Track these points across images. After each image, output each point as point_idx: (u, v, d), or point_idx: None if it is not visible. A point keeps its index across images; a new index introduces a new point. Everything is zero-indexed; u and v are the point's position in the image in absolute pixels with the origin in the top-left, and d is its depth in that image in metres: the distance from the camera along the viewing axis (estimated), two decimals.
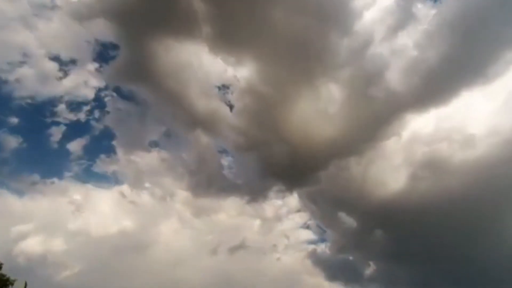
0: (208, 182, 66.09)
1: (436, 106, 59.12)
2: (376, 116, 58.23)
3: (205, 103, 65.00)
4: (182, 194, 64.94)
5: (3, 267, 31.99)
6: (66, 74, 61.27)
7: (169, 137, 69.15)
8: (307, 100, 60.09)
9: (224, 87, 66.74)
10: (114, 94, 64.92)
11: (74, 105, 62.86)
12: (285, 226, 67.12)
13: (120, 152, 65.69)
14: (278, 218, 68.17)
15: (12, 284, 32.29)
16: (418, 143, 59.55)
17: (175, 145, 69.99)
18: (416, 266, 54.80)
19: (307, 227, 66.41)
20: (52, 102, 61.98)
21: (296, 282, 59.37)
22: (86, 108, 63.25)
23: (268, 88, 60.57)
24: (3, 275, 32.37)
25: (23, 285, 32.07)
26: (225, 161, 69.64)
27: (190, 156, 68.84)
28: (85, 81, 62.58)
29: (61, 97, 61.70)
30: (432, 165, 56.26)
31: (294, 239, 66.38)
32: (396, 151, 59.98)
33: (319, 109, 59.72)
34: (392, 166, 59.79)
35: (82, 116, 63.36)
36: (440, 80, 56.21)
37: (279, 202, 68.96)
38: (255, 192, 66.52)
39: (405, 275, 54.89)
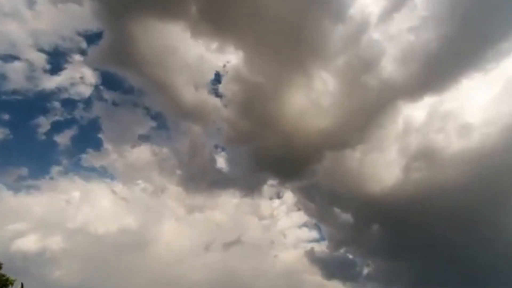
0: (200, 176, 65.27)
1: (432, 95, 57.58)
2: (371, 106, 56.95)
3: (193, 92, 63.91)
4: (175, 189, 64.17)
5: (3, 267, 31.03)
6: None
7: (158, 130, 68.17)
8: (299, 90, 58.90)
9: (214, 76, 65.22)
10: (100, 82, 63.17)
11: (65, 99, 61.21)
12: (282, 222, 66.68)
13: (108, 146, 64.57)
14: (275, 215, 67.01)
15: (12, 284, 31.41)
16: (413, 133, 58.18)
17: (165, 139, 69.12)
18: (415, 262, 53.24)
19: (304, 225, 65.59)
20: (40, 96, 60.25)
21: (294, 279, 58.52)
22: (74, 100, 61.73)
23: (259, 78, 59.11)
24: (3, 275, 31.46)
25: (19, 286, 31.29)
26: (217, 154, 68.67)
27: (181, 150, 67.88)
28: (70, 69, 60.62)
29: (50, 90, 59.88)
30: (428, 156, 54.73)
31: (291, 236, 65.60)
32: (392, 142, 58.87)
33: (312, 99, 58.72)
34: (388, 158, 58.69)
35: (70, 109, 62.12)
36: (438, 67, 54.40)
37: (275, 198, 68.14)
38: (249, 186, 65.88)
39: (404, 272, 53.47)
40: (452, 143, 54.43)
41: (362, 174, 58.61)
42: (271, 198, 67.43)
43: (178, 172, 65.60)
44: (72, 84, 61.57)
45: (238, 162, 66.43)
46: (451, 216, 49.31)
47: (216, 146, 68.90)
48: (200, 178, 65.26)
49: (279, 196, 67.76)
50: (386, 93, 56.65)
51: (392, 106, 58.01)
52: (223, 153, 68.64)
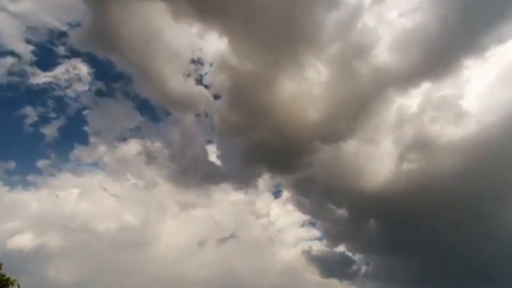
0: (193, 170, 64.46)
1: (428, 82, 55.67)
2: (365, 95, 55.57)
3: (181, 81, 62.55)
4: (166, 184, 63.38)
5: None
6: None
7: (146, 122, 66.86)
8: (291, 79, 57.53)
9: (197, 63, 63.90)
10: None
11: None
12: (278, 217, 66.28)
13: (96, 140, 62.57)
14: (270, 210, 66.49)
15: (12, 284, 30.33)
16: (409, 123, 56.42)
17: (153, 131, 67.70)
18: (414, 257, 51.98)
19: (301, 221, 65.29)
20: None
21: (293, 277, 57.73)
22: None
23: (247, 66, 57.40)
24: (3, 275, 30.35)
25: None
26: (209, 146, 67.47)
27: (171, 143, 66.91)
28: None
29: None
30: (424, 146, 52.92)
31: (288, 232, 65.58)
32: (387, 132, 57.50)
33: (304, 89, 57.30)
34: (383, 149, 57.33)
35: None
36: (434, 53, 52.81)
37: (270, 193, 67.88)
38: (243, 181, 65.69)
39: (404, 268, 52.25)
40: (448, 132, 52.99)
41: (356, 166, 57.79)
42: (267, 191, 66.96)
43: (169, 166, 64.79)
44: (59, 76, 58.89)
45: (230, 155, 65.49)
46: (450, 208, 48.30)
47: (207, 139, 67.74)
48: (192, 172, 64.47)
49: (274, 191, 67.21)
50: (380, 81, 55.61)
51: (386, 95, 57.04)
52: (214, 146, 67.53)
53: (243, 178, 64.83)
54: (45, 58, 60.25)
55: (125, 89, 64.80)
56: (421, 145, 54.22)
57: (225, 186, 65.73)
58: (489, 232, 45.44)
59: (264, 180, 65.91)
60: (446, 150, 52.31)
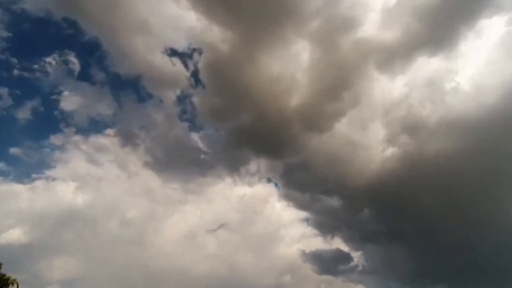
0: (176, 157, 61.31)
1: (422, 57, 52.00)
2: (353, 73, 52.54)
3: (158, 59, 58.18)
4: (149, 173, 59.96)
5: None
6: None
7: (121, 108, 62.27)
8: (272, 59, 54.19)
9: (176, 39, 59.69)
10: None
11: None
12: (271, 208, 63.15)
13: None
14: (262, 199, 62.83)
15: (12, 284, 29.59)
16: (400, 102, 53.56)
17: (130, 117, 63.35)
18: (412, 249, 50.77)
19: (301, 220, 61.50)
20: None
21: (295, 272, 55.72)
22: None
23: (226, 44, 53.93)
24: (3, 275, 29.62)
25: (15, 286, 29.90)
26: (190, 131, 64.22)
27: (151, 128, 63.32)
28: None
29: None
30: (416, 127, 50.61)
31: (281, 222, 62.10)
32: (377, 112, 54.53)
33: (288, 69, 54.24)
34: (373, 131, 54.57)
35: None
36: (429, 26, 49.47)
37: (256, 180, 64.23)
38: (229, 168, 62.63)
39: (402, 261, 50.77)
40: (443, 111, 50.79)
41: (344, 150, 55.50)
42: (255, 180, 63.50)
43: (152, 152, 61.11)
44: None
45: (214, 141, 62.80)
46: (448, 194, 47.14)
47: (188, 124, 63.94)
48: (177, 159, 61.63)
49: (263, 180, 63.48)
50: (369, 57, 52.63)
51: (374, 72, 53.84)
52: (196, 130, 64.45)
53: (230, 166, 62.46)
54: None
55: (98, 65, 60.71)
56: (412, 126, 52.17)
57: (212, 173, 62.97)
58: (491, 219, 44.61)
59: (252, 167, 62.93)
60: (439, 131, 50.41)
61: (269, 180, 63.33)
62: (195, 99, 61.42)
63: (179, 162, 61.80)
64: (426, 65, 53.42)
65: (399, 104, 53.69)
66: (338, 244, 56.37)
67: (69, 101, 58.23)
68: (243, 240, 59.70)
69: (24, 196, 53.51)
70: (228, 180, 62.99)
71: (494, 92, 47.64)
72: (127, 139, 60.78)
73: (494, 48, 51.54)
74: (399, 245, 52.42)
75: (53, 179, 56.40)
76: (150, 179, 59.46)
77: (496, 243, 43.71)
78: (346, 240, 56.08)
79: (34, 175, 55.52)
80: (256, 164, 62.66)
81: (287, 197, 60.55)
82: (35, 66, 56.30)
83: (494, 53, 51.03)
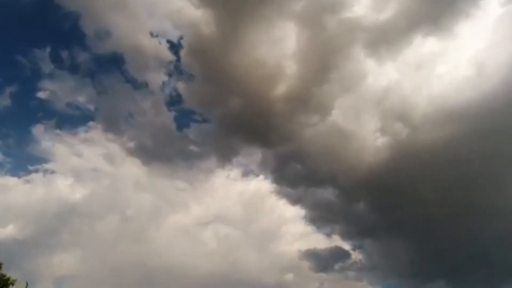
0: (163, 147, 59.45)
1: (417, 41, 49.60)
2: (342, 58, 50.20)
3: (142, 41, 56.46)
4: (135, 161, 58.33)
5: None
6: None
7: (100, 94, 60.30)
8: (258, 42, 51.87)
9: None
10: None
11: None
12: (264, 200, 60.59)
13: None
14: (253, 191, 60.60)
15: (13, 284, 28.97)
16: (393, 89, 51.10)
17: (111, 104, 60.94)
18: (412, 243, 48.94)
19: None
20: None
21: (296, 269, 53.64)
22: None
23: (210, 27, 51.71)
24: (3, 275, 29.00)
25: (24, 285, 29.26)
26: (173, 117, 61.86)
27: (136, 115, 61.60)
28: None
29: None
30: (410, 114, 48.06)
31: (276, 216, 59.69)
32: (369, 99, 52.30)
33: (274, 53, 51.92)
34: (365, 119, 52.37)
35: None
36: (424, 5, 47.59)
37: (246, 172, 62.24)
38: (219, 158, 60.42)
39: (401, 256, 49.06)
40: (439, 97, 48.55)
41: (336, 138, 53.05)
42: (246, 171, 61.96)
43: (138, 140, 59.18)
44: None
45: (203, 130, 60.98)
46: (446, 182, 45.23)
47: (174, 112, 61.80)
48: (164, 149, 59.95)
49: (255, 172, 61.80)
50: (359, 39, 50.42)
51: (368, 56, 51.39)
52: (182, 119, 62.89)
53: (220, 157, 60.53)
54: None
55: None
56: (406, 114, 49.92)
57: (203, 166, 61.83)
58: (492, 210, 43.05)
59: (243, 159, 61.24)
60: (436, 118, 48.11)
61: (260, 173, 61.62)
62: (180, 84, 59.42)
63: (167, 153, 60.14)
64: (421, 48, 51.39)
65: (392, 89, 51.62)
66: (336, 239, 55.26)
67: (49, 88, 56.46)
68: (235, 234, 57.83)
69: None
70: (220, 172, 61.34)
71: (493, 75, 45.82)
72: (111, 128, 59.56)
73: (491, 31, 49.69)
74: (397, 239, 51.37)
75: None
76: (135, 169, 57.89)
77: (496, 235, 42.51)
78: (344, 236, 54.75)
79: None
80: (247, 155, 61.19)
81: (280, 190, 58.11)
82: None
83: (491, 36, 49.25)
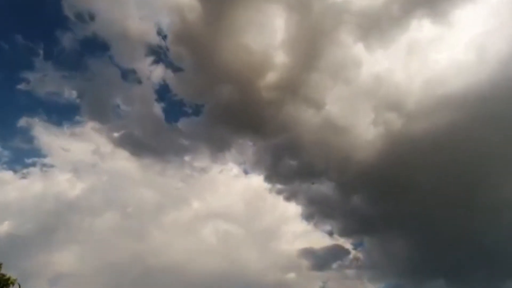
0: (155, 140, 57.45)
1: (412, 26, 48.28)
2: (334, 45, 48.52)
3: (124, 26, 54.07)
4: (124, 153, 56.78)
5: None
6: None
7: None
8: (245, 27, 50.18)
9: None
10: None
11: None
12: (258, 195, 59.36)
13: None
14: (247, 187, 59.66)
15: (13, 284, 28.63)
16: (388, 77, 49.27)
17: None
18: (412, 241, 47.79)
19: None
20: None
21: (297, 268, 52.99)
22: None
23: (194, 14, 50.29)
24: (3, 275, 28.65)
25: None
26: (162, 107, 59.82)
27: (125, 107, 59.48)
28: None
29: None
30: (405, 103, 46.61)
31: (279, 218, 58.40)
32: (362, 88, 50.35)
33: (262, 39, 50.04)
34: (359, 109, 50.53)
35: None
36: None
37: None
38: (212, 151, 58.67)
39: (400, 254, 47.88)
40: (437, 84, 46.80)
41: (329, 130, 51.21)
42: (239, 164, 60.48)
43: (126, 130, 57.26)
44: None
45: (193, 122, 58.99)
46: (445, 176, 43.95)
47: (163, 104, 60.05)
48: (153, 140, 57.83)
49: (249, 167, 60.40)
50: (352, 26, 48.62)
51: (359, 42, 49.45)
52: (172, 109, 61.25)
53: (212, 149, 58.66)
54: None
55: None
56: (401, 102, 48.08)
57: (195, 157, 59.99)
58: (493, 203, 41.84)
59: (235, 151, 59.63)
60: (433, 106, 46.37)
61: (253, 166, 60.61)
62: (168, 74, 57.69)
63: (156, 145, 58.18)
64: (418, 33, 49.72)
65: (385, 77, 49.82)
66: (335, 237, 54.23)
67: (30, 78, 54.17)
68: (232, 230, 56.47)
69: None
70: (213, 166, 60.23)
71: (493, 61, 44.49)
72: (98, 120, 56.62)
73: (491, 15, 48.12)
74: (396, 237, 50.17)
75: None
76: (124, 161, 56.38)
77: (498, 231, 41.37)
78: (342, 232, 53.84)
79: None
80: (240, 148, 59.42)
81: (273, 185, 56.24)
82: None
83: (491, 20, 47.74)
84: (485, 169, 43.53)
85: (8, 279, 27.93)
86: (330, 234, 54.82)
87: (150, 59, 57.95)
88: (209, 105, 56.36)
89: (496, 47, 45.18)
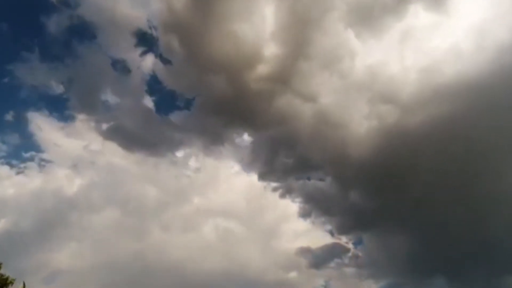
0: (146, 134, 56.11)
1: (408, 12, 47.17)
2: (326, 36, 47.33)
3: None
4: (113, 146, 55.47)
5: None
6: None
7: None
8: (235, 17, 48.94)
9: None
10: None
11: None
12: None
13: None
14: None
15: (12, 284, 29.44)
16: (383, 66, 48.16)
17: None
18: (412, 239, 47.09)
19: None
20: None
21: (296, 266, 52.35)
22: None
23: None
24: (3, 275, 29.50)
25: (21, 285, 29.64)
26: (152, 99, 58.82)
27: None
28: None
29: None
30: (401, 94, 45.59)
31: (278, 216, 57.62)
32: (357, 79, 49.18)
33: (252, 29, 48.82)
34: (353, 101, 49.59)
35: None
36: None
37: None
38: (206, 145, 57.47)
39: (400, 252, 47.20)
40: (434, 74, 45.84)
41: (324, 124, 50.26)
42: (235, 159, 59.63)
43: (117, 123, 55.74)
44: None
45: (185, 115, 58.20)
46: (444, 164, 42.93)
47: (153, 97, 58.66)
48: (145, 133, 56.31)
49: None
50: (347, 12, 47.49)
51: (351, 31, 48.29)
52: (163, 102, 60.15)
53: (206, 143, 57.22)
54: None
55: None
56: (398, 93, 46.96)
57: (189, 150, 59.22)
58: (494, 195, 40.88)
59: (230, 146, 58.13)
60: (429, 95, 45.33)
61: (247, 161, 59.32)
62: (158, 66, 56.38)
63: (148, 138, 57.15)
64: (416, 21, 48.69)
65: (381, 67, 48.51)
66: (333, 235, 53.58)
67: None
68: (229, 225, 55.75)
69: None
70: (207, 160, 59.54)
71: (492, 49, 43.72)
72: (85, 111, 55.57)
73: (490, 2, 47.64)
74: (396, 233, 49.37)
75: None
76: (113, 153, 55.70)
77: (498, 224, 40.69)
78: (341, 230, 53.18)
79: None
80: (233, 142, 58.35)
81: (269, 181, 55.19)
82: None
83: (490, 8, 46.93)
84: (485, 161, 42.77)
85: (7, 278, 28.78)
86: (329, 231, 54.50)
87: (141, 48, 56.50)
88: (201, 98, 55.37)
89: (495, 35, 44.54)
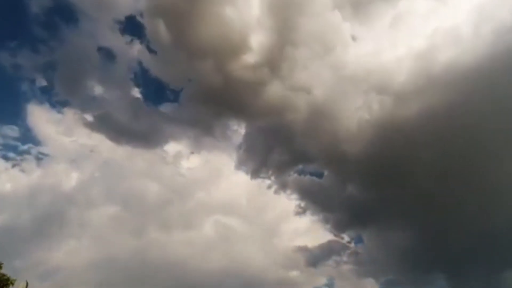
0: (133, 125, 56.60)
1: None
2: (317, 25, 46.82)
3: None
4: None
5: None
6: None
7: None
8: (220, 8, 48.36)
9: None
10: None
11: None
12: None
13: None
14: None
15: (12, 284, 31.49)
16: (376, 56, 47.96)
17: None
18: (410, 234, 46.55)
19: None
20: None
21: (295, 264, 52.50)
22: None
23: None
24: (3, 275, 31.54)
25: (25, 284, 31.52)
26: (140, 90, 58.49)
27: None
28: None
29: None
30: (395, 85, 44.70)
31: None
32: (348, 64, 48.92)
33: (241, 15, 48.31)
34: (347, 90, 49.20)
35: None
36: None
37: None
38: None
39: (399, 249, 46.66)
40: (431, 59, 44.99)
41: (320, 116, 50.05)
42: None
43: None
44: None
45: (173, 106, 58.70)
46: (443, 154, 42.15)
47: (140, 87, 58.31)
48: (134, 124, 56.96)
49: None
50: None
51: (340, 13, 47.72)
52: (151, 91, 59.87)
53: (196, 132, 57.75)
54: None
55: None
56: (392, 83, 46.21)
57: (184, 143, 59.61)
58: (493, 186, 40.14)
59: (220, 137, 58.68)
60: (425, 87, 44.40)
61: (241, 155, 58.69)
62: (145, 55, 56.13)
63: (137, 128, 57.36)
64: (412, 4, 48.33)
65: (375, 56, 48.14)
66: (332, 232, 53.46)
67: None
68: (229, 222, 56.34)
69: None
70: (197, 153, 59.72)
71: (489, 38, 42.62)
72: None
73: None
74: (395, 229, 48.93)
75: None
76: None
77: (497, 216, 39.65)
78: (339, 227, 52.86)
79: None
80: (224, 132, 58.34)
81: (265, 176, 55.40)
82: None
83: None
84: (484, 151, 41.50)
85: (8, 278, 30.89)
86: (327, 228, 54.11)
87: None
88: (190, 88, 54.86)
89: (493, 19, 43.10)
